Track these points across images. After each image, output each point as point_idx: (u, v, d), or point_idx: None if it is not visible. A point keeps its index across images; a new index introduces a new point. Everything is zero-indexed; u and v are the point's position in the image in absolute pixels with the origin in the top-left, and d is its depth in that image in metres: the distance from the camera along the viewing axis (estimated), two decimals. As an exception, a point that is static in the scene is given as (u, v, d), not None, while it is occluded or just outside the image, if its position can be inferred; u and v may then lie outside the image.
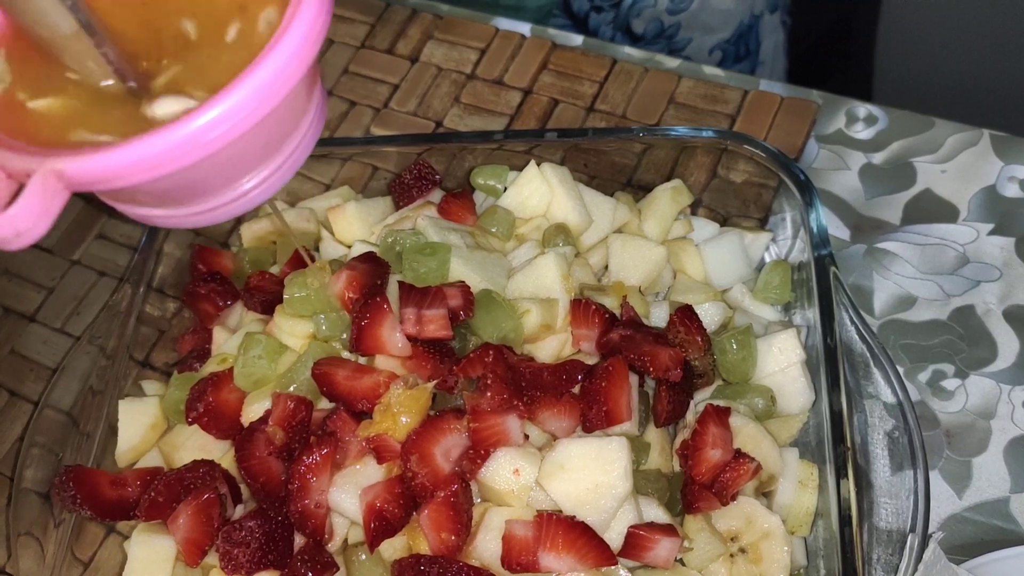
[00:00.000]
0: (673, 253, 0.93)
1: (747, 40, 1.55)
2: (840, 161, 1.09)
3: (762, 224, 1.03)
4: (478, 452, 0.75)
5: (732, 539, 0.78)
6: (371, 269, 0.85)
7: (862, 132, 1.11)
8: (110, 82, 0.57)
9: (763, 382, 0.84)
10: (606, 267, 0.96)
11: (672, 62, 1.21)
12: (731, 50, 1.55)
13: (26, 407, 1.11)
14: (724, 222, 1.03)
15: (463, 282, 0.84)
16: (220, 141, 0.52)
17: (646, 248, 0.91)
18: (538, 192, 0.94)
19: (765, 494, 0.81)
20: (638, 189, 1.05)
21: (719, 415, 0.78)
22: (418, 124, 1.22)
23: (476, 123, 1.20)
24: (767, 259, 0.97)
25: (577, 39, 1.26)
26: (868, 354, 0.86)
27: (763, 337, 0.85)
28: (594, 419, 0.78)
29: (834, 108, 1.13)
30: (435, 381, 0.79)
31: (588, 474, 0.75)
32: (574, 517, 0.73)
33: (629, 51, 1.23)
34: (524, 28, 1.28)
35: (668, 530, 0.74)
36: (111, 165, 0.51)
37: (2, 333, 1.16)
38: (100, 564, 0.97)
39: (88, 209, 1.24)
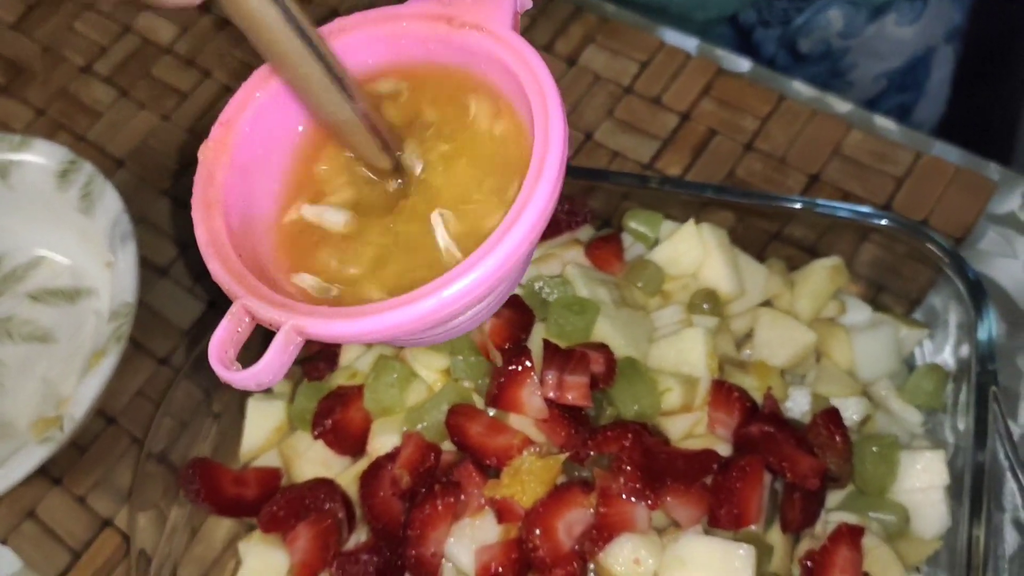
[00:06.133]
0: (821, 336, 0.90)
1: (917, 72, 1.47)
2: (1008, 247, 1.04)
3: (912, 307, 0.98)
4: (601, 534, 0.75)
5: (843, 656, 0.77)
6: (516, 318, 0.83)
7: (1037, 219, 1.05)
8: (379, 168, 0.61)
9: (898, 498, 0.82)
10: (747, 335, 0.93)
11: (843, 106, 1.15)
12: (897, 80, 1.47)
13: (148, 362, 1.13)
14: (873, 299, 0.99)
15: (607, 347, 0.82)
16: (459, 311, 0.52)
17: (795, 331, 0.88)
18: (692, 252, 0.91)
19: (882, 617, 0.79)
20: (780, 242, 1.01)
21: (852, 537, 0.76)
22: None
23: (627, 142, 1.17)
24: (917, 354, 0.93)
25: (744, 64, 1.20)
26: (1006, 465, 0.82)
27: (907, 451, 0.82)
28: (724, 519, 0.76)
29: (1011, 186, 1.07)
30: (568, 453, 0.78)
31: (710, 576, 0.74)
32: (691, 623, 0.72)
33: (798, 87, 1.17)
34: (691, 44, 1.23)
35: (784, 645, 0.73)
36: (351, 332, 0.52)
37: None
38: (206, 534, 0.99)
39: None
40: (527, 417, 0.80)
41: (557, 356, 0.80)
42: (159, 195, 1.24)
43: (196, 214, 0.58)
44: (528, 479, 0.77)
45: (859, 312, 0.94)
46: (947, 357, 0.90)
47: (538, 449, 0.78)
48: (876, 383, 0.89)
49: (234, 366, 0.53)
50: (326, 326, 0.52)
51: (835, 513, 0.81)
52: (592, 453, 0.78)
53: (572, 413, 0.80)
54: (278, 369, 0.52)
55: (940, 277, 0.91)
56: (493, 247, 0.51)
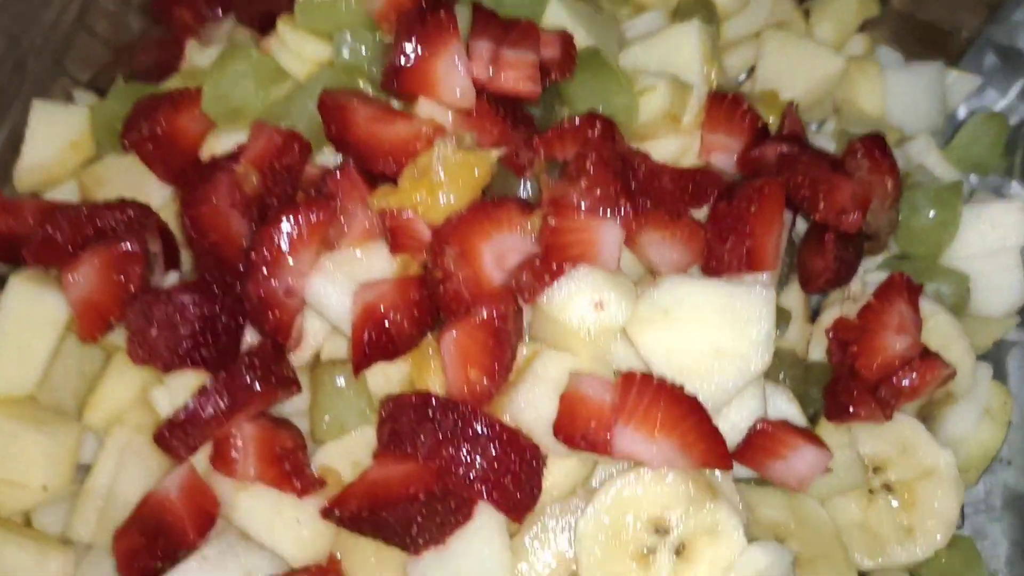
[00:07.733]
0: (846, 73, 0.66)
1: None
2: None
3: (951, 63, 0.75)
4: (549, 264, 0.49)
5: (875, 469, 0.54)
6: (433, -22, 0.57)
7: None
8: None
9: (956, 264, 0.59)
10: (747, 73, 0.69)
11: None
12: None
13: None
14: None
15: (565, 30, 0.57)
16: None
17: (816, 55, 0.65)
18: (679, -53, 0.66)
19: (928, 416, 0.56)
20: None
21: (911, 291, 0.52)
22: None
23: None
24: (962, 112, 0.70)
25: None
26: None
27: (972, 204, 0.59)
28: (729, 255, 0.52)
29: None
30: (502, 151, 0.52)
31: (707, 331, 0.49)
32: (683, 387, 0.48)
33: None
34: None
35: (810, 436, 0.49)
36: None
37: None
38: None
39: None
40: (443, 105, 0.53)
41: (493, 24, 0.54)
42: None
43: None
44: (440, 181, 0.50)
45: (889, 59, 0.71)
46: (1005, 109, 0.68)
47: (459, 142, 0.52)
48: (913, 139, 0.66)
49: None
50: None
51: (874, 274, 0.57)
52: (539, 159, 0.53)
53: (510, 106, 0.54)
54: None
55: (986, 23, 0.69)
56: None
